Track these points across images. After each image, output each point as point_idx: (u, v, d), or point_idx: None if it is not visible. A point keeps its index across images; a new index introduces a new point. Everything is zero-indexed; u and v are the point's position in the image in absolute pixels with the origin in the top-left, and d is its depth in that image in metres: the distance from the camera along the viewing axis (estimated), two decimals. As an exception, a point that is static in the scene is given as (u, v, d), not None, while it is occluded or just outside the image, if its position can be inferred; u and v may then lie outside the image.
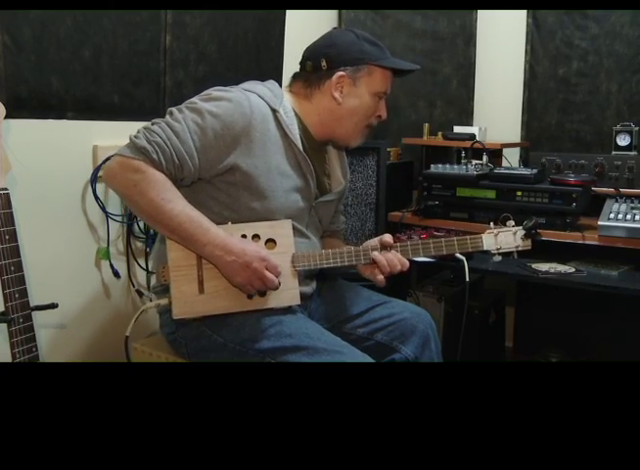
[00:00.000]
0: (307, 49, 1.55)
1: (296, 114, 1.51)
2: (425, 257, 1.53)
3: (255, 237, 1.43)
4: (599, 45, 2.46)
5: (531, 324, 2.59)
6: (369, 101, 1.52)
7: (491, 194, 2.11)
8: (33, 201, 1.65)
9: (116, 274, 1.92)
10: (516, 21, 2.61)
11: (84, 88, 1.76)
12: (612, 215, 1.93)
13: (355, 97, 1.51)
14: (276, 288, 1.40)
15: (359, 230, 2.23)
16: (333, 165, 1.63)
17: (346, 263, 1.47)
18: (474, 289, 2.11)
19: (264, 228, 1.43)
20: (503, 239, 1.52)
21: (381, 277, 1.47)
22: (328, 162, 1.63)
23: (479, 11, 2.67)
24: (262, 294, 1.42)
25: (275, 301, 1.43)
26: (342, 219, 1.79)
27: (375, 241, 1.49)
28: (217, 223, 1.39)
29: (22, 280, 1.38)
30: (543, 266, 2.02)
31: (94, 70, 1.78)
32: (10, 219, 1.37)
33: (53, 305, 1.53)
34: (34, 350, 1.40)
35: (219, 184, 1.43)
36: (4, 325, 1.37)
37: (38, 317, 1.59)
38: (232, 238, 1.37)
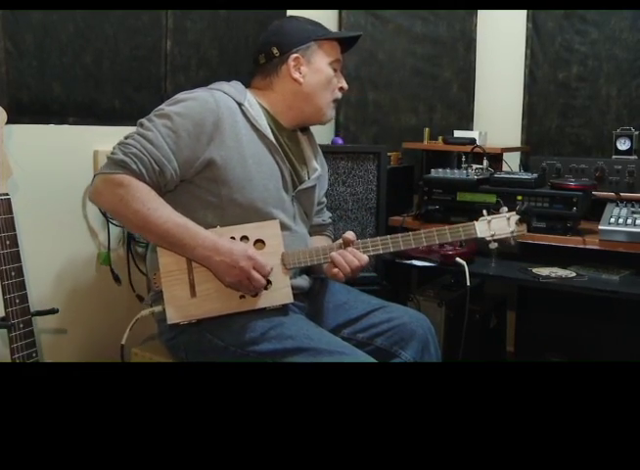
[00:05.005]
0: (257, 44, 1.60)
1: (262, 106, 1.54)
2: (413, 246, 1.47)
3: (244, 239, 1.44)
4: (599, 49, 2.47)
5: (532, 329, 2.58)
6: (329, 72, 1.57)
7: (492, 198, 2.11)
8: (34, 206, 1.65)
9: (117, 279, 1.91)
10: (516, 25, 2.62)
11: (85, 93, 1.76)
12: (612, 220, 1.93)
13: (315, 73, 1.55)
14: (264, 287, 1.41)
15: (360, 235, 2.22)
16: (307, 153, 1.66)
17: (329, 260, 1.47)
18: (474, 293, 2.10)
19: (252, 230, 1.45)
20: (497, 225, 1.48)
21: (341, 276, 1.46)
22: (303, 150, 1.65)
23: (478, 15, 2.67)
24: (254, 294, 1.42)
25: (268, 300, 1.43)
26: (327, 214, 1.81)
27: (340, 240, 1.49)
28: (205, 227, 1.41)
29: (22, 285, 1.38)
30: (544, 271, 2.02)
31: (95, 76, 1.78)
32: (11, 224, 1.37)
33: (53, 311, 1.52)
34: (34, 355, 1.39)
35: (200, 182, 1.45)
36: (4, 331, 1.37)
37: (39, 323, 1.59)
38: (220, 239, 1.40)
